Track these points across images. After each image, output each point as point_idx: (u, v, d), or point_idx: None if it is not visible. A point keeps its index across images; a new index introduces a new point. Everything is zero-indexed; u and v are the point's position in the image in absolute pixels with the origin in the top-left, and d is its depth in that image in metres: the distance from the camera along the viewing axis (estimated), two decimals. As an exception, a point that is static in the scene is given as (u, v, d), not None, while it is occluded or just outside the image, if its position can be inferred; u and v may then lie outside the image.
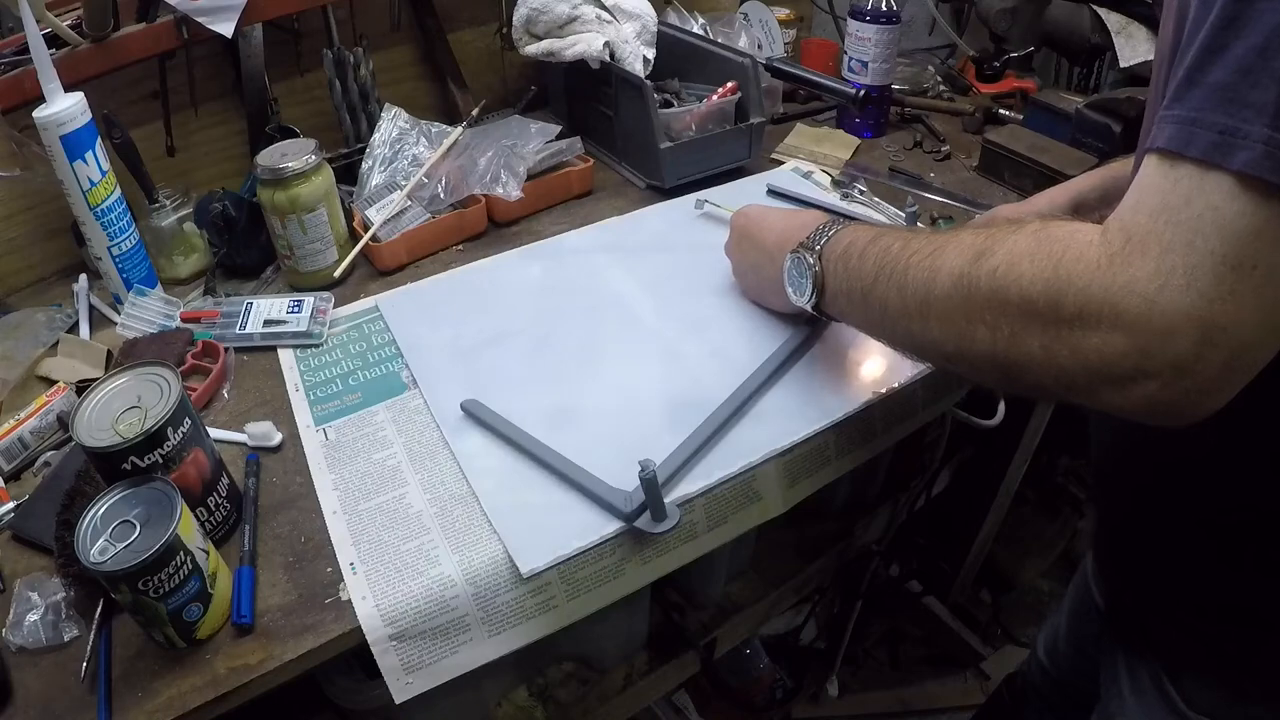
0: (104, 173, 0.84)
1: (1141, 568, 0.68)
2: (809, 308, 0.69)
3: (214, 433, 0.74)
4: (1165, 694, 0.67)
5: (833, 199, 1.06)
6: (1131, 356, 0.42)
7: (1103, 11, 1.22)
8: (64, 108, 0.79)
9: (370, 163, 1.02)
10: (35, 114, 0.79)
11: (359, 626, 0.59)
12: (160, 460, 0.59)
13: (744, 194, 1.07)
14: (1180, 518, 0.62)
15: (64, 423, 0.76)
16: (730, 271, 0.88)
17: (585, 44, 1.06)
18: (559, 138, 1.07)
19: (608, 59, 1.07)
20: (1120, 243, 0.43)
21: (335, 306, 0.90)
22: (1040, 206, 0.81)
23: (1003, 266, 0.48)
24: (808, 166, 1.15)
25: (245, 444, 0.74)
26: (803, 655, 1.57)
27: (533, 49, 1.12)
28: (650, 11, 1.13)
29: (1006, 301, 0.47)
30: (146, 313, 0.88)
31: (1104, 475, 0.72)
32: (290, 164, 0.87)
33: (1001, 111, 1.28)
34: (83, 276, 0.96)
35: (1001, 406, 0.90)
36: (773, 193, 1.06)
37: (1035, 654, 1.07)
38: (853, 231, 0.66)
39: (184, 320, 0.88)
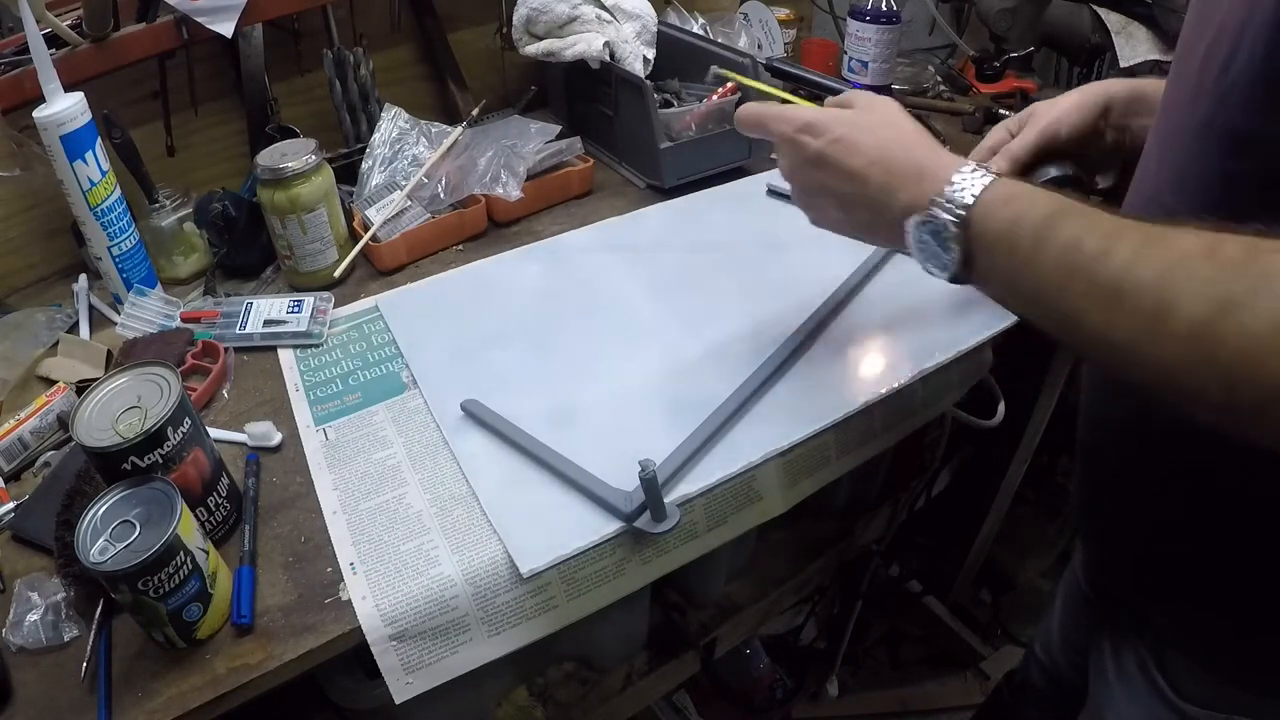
0: (104, 173, 0.84)
1: (1126, 546, 0.67)
2: (946, 280, 0.55)
3: (214, 433, 0.74)
4: (1152, 681, 0.66)
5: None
6: None
7: (1103, 11, 1.22)
8: (64, 108, 0.79)
9: (370, 163, 1.02)
10: (35, 114, 0.79)
11: (359, 626, 0.59)
12: (160, 460, 0.59)
13: (744, 194, 1.08)
14: (1168, 492, 0.60)
15: (64, 423, 0.76)
16: (729, 270, 0.87)
17: (585, 44, 1.06)
18: (559, 138, 1.07)
19: (608, 59, 1.07)
20: None
21: (335, 306, 0.90)
22: (1071, 103, 0.75)
23: (1264, 329, 0.38)
24: (808, 166, 1.15)
25: (245, 444, 0.74)
26: (803, 655, 1.57)
27: (533, 49, 1.12)
28: (650, 11, 1.13)
29: (1262, 377, 0.39)
30: (146, 313, 0.88)
31: (1089, 449, 0.70)
32: (290, 164, 0.87)
33: (1001, 111, 1.27)
34: (83, 276, 0.96)
35: (1001, 407, 0.90)
36: (773, 193, 1.06)
37: (1032, 651, 1.07)
38: (1011, 196, 0.51)
39: (184, 320, 0.88)
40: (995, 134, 0.80)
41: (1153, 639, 0.67)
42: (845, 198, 0.61)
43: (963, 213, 0.52)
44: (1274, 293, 0.38)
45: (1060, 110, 0.75)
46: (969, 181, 0.52)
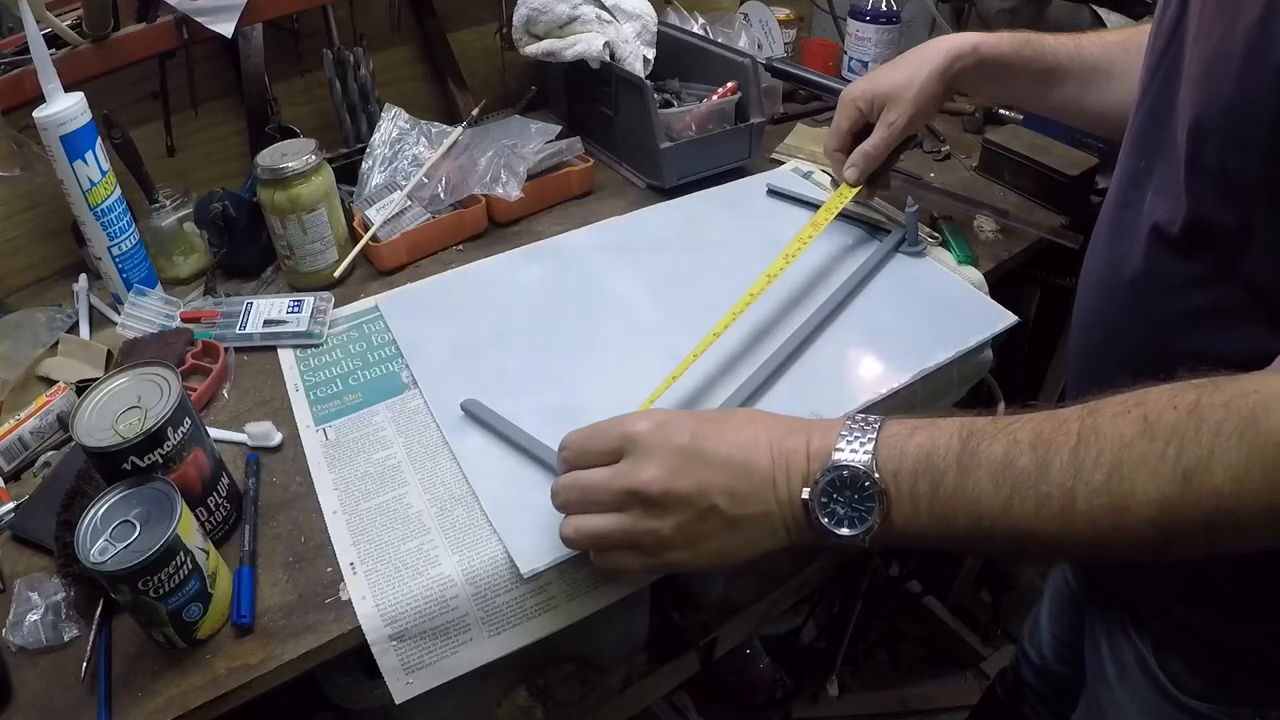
0: (104, 173, 0.84)
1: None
2: (865, 543, 0.49)
3: (214, 433, 0.74)
4: (1153, 678, 0.66)
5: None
6: None
7: (1103, 11, 1.22)
8: (64, 108, 0.79)
9: (370, 163, 1.02)
10: (35, 114, 0.79)
11: (359, 626, 0.59)
12: (160, 460, 0.59)
13: (744, 194, 1.08)
14: None
15: (64, 423, 0.76)
16: (729, 270, 0.87)
17: (585, 44, 1.07)
18: (559, 138, 1.07)
19: (608, 59, 1.07)
20: None
21: (335, 306, 0.90)
22: (926, 97, 0.82)
23: (1229, 486, 0.39)
24: (808, 166, 1.15)
25: (245, 444, 0.74)
26: (803, 655, 1.57)
27: (533, 49, 1.12)
28: (650, 11, 1.13)
29: (1243, 520, 0.40)
30: (146, 313, 0.88)
31: None
32: (290, 164, 0.87)
33: (1001, 111, 1.27)
34: (83, 276, 0.96)
35: (1001, 407, 0.90)
36: (773, 193, 1.06)
37: (1022, 647, 1.07)
38: (911, 436, 0.49)
39: (184, 320, 0.88)
40: (846, 113, 0.88)
41: (1151, 637, 0.67)
42: (730, 493, 0.51)
43: (868, 457, 0.48)
44: (1230, 446, 0.39)
45: (916, 110, 0.83)
46: (857, 431, 0.49)
